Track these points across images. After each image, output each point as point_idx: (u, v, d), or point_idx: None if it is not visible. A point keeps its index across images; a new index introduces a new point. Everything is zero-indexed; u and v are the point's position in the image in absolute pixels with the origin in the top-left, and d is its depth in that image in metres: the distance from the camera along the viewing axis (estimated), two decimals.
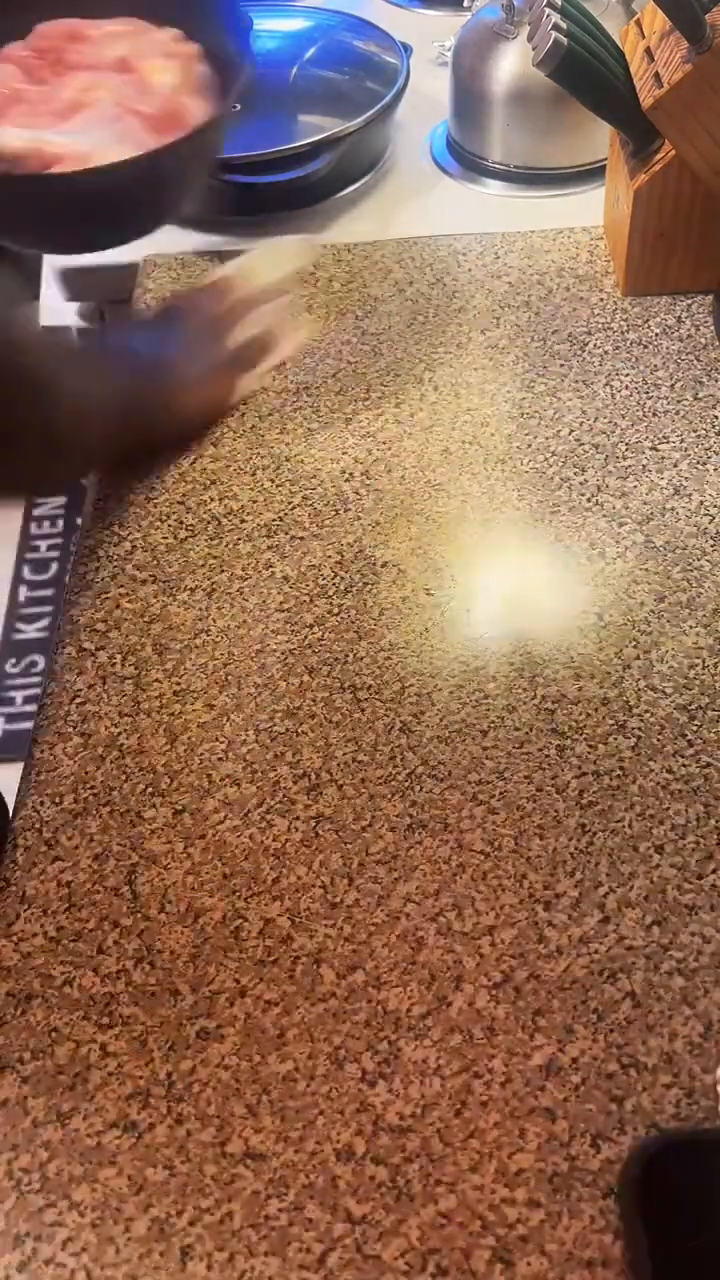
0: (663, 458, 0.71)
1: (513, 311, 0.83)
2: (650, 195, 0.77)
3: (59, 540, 1.96)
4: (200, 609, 0.64)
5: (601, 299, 0.83)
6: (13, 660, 1.80)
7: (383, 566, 0.66)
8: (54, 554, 1.95)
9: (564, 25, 0.71)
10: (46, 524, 2.00)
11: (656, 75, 0.75)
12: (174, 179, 0.75)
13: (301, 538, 0.68)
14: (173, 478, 0.72)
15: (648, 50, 0.78)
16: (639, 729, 0.57)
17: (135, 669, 0.62)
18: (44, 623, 1.84)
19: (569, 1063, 0.46)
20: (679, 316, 0.81)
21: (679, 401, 0.75)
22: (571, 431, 0.73)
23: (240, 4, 0.82)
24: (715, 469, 0.70)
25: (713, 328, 0.80)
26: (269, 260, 0.81)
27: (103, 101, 0.72)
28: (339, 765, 0.56)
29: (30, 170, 0.69)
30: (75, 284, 0.96)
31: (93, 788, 0.56)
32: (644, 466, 0.71)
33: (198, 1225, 0.43)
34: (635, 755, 0.56)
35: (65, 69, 0.77)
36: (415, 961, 0.49)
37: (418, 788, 0.55)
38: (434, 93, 1.05)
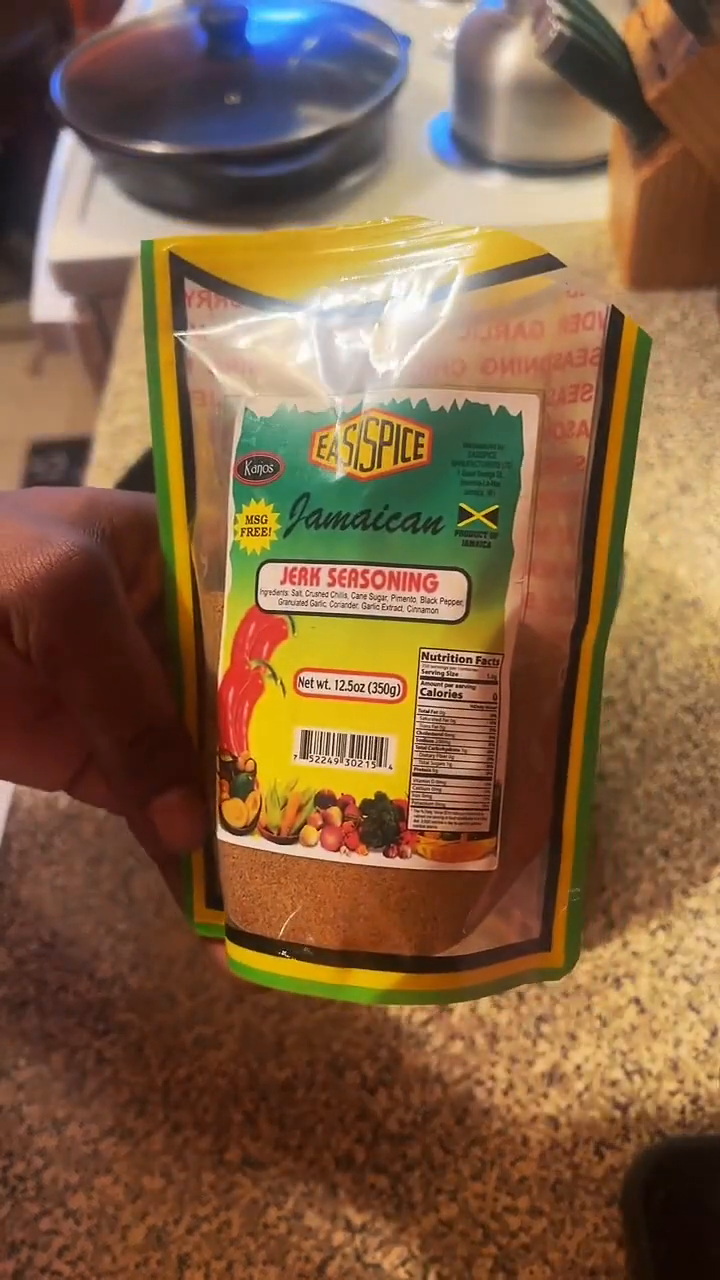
0: (668, 454, 0.70)
1: None
2: (655, 188, 0.77)
3: None
4: None
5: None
6: None
7: None
8: None
9: (567, 17, 0.70)
10: None
11: (661, 67, 0.74)
12: None
13: None
14: None
15: (652, 42, 0.77)
16: (644, 730, 0.56)
17: None
18: None
19: (572, 1069, 0.45)
20: (684, 311, 0.80)
21: (684, 397, 0.74)
22: None
23: None
24: None
25: (719, 322, 0.79)
26: None
27: None
28: None
29: None
30: (69, 278, 0.95)
31: None
32: (649, 463, 0.70)
33: (195, 1233, 0.42)
34: (640, 757, 0.55)
35: None
36: None
37: None
38: (434, 84, 1.04)
